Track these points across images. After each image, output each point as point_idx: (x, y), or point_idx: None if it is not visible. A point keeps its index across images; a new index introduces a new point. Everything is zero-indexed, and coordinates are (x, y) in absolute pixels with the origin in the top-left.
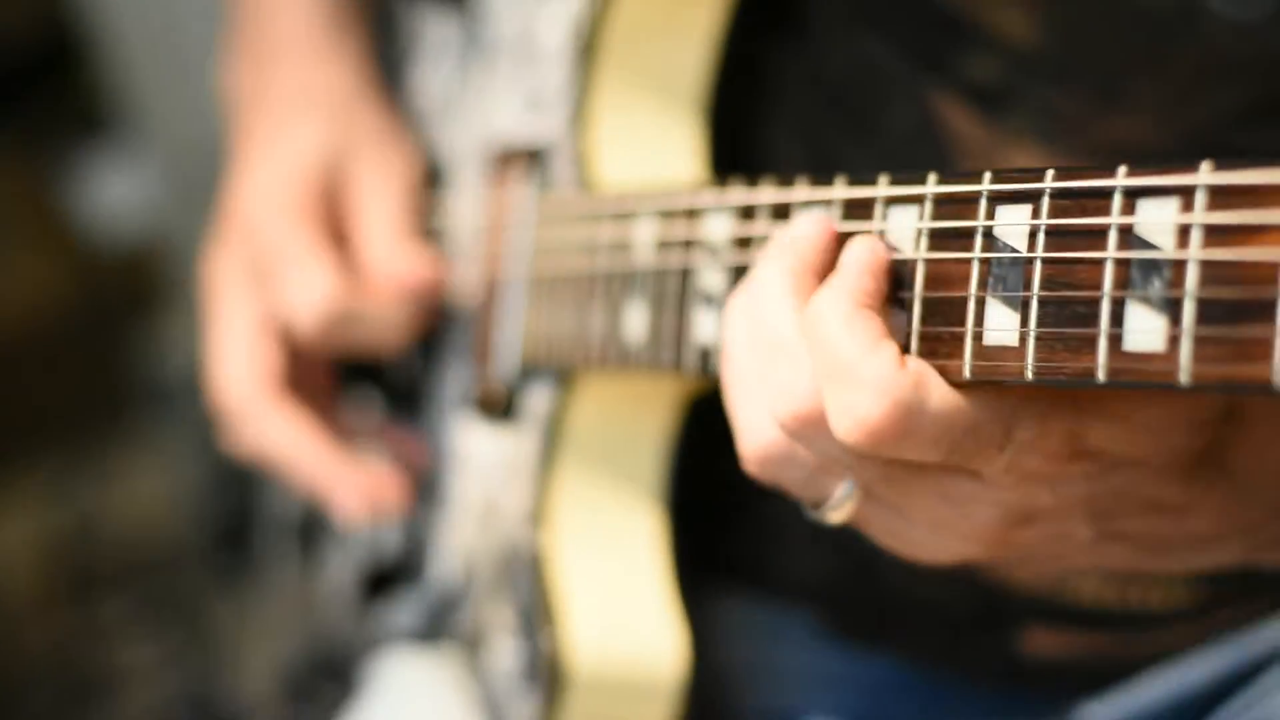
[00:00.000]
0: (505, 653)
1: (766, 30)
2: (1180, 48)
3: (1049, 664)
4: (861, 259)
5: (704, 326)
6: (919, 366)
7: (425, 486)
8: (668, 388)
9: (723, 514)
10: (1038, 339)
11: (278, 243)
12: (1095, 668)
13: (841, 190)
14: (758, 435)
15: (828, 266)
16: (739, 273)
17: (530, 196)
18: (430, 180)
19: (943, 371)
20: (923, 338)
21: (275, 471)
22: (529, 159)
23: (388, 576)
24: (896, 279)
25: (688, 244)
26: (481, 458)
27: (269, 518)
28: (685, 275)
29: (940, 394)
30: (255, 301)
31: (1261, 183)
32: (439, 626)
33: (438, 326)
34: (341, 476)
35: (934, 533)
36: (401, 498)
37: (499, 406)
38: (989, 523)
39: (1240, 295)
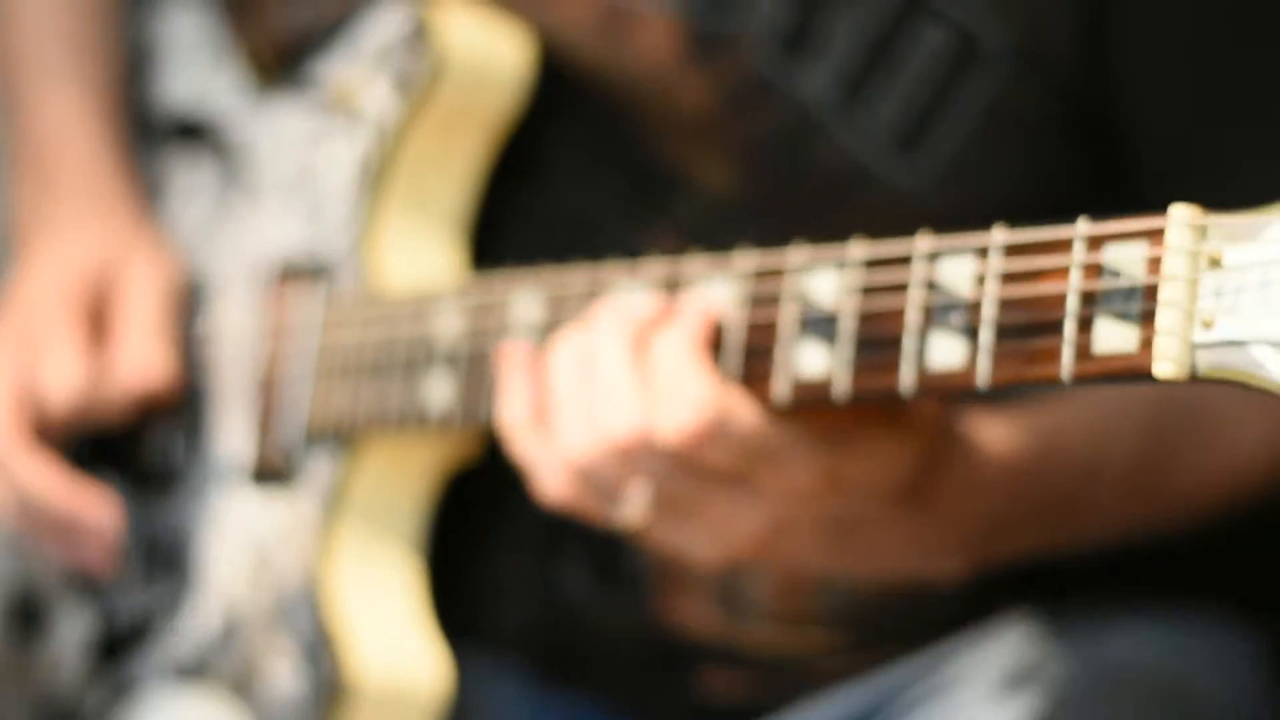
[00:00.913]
0: (284, 681)
1: (514, 172)
2: (854, 206)
3: (721, 703)
4: (695, 310)
5: None
6: (733, 392)
7: (170, 551)
8: (434, 459)
9: (453, 572)
10: (854, 368)
11: (43, 328)
12: (763, 706)
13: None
14: (575, 449)
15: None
16: None
17: (317, 301)
18: (190, 295)
19: (759, 397)
20: (745, 371)
21: (28, 515)
22: (313, 274)
23: (124, 638)
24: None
25: (499, 329)
26: (249, 521)
27: None
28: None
29: (748, 413)
30: (16, 373)
31: (1041, 240)
32: (199, 670)
33: (198, 412)
34: (93, 506)
35: (709, 535)
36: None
37: (280, 473)
38: (755, 529)
39: (1030, 319)
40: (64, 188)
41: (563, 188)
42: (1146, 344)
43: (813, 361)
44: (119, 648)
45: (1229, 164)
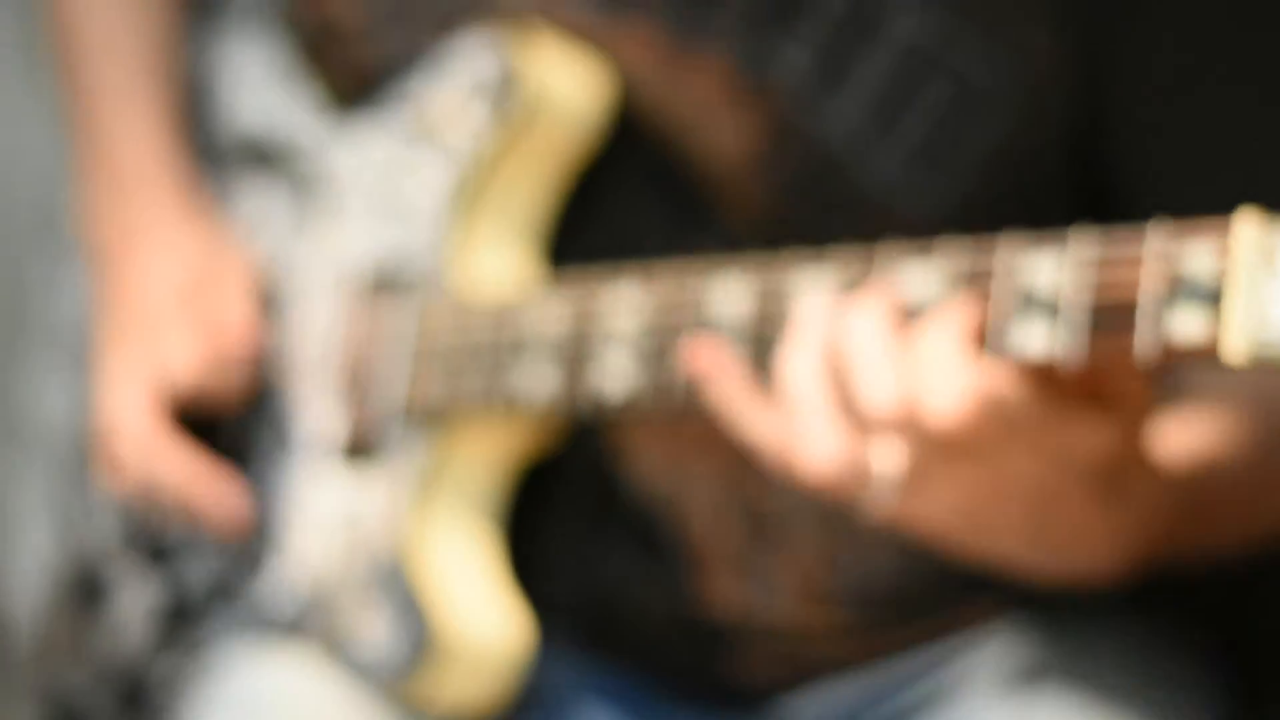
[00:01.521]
0: (377, 642)
1: (574, 193)
2: (871, 236)
3: (747, 681)
4: (955, 308)
5: (611, 380)
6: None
7: (256, 526)
8: (520, 448)
9: (510, 547)
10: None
11: (159, 318)
12: (783, 686)
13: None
14: (819, 446)
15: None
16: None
17: (413, 301)
18: (271, 296)
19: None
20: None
21: (161, 497)
22: (403, 284)
23: (196, 605)
24: None
25: (596, 316)
26: (340, 495)
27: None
28: (589, 337)
29: (1019, 390)
30: (147, 363)
31: (1119, 239)
32: (287, 631)
33: (279, 401)
34: (224, 488)
35: (935, 505)
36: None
37: (372, 451)
38: (981, 494)
39: (1113, 303)
40: (145, 198)
41: (612, 210)
42: (1213, 331)
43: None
44: (189, 614)
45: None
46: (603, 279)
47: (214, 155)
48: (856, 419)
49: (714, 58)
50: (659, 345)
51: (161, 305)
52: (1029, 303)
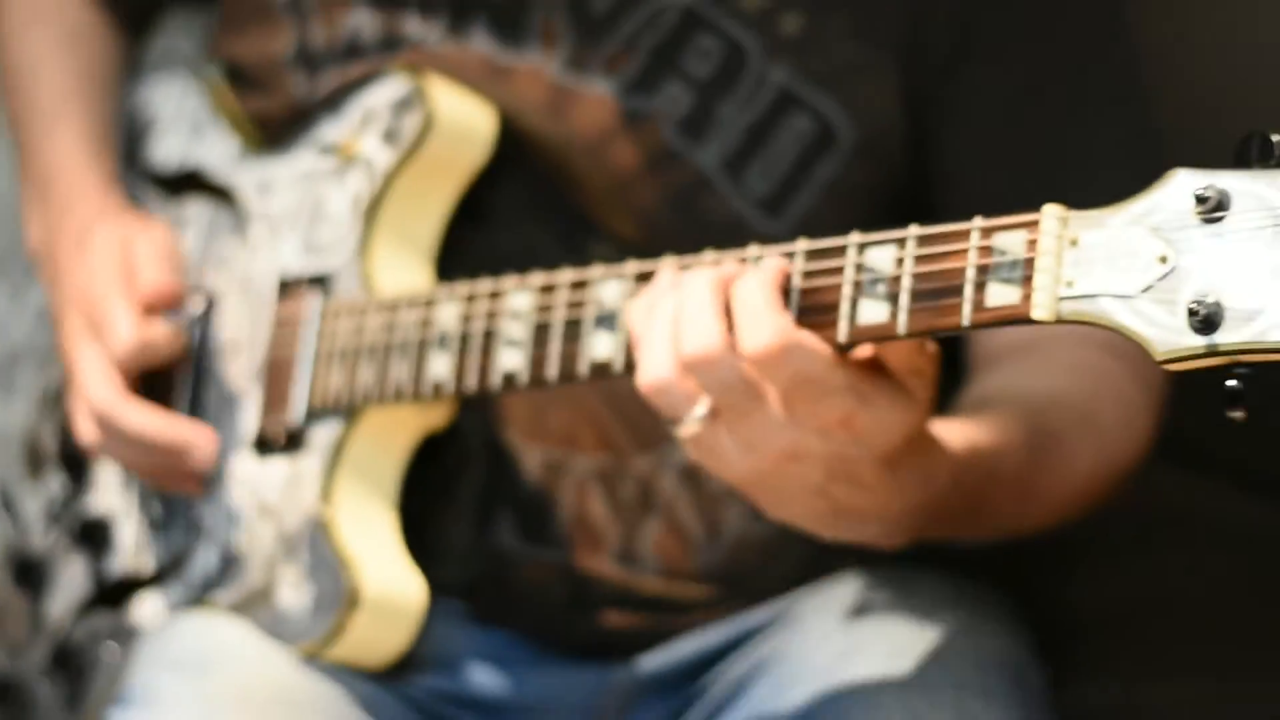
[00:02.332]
0: (293, 597)
1: (468, 214)
2: (732, 249)
3: (618, 637)
4: (772, 262)
5: (509, 359)
6: (802, 329)
7: (175, 515)
8: (413, 425)
9: (406, 527)
10: (910, 314)
11: (99, 300)
12: (649, 639)
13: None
14: (658, 370)
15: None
16: (539, 330)
17: (314, 302)
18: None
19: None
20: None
21: (140, 455)
22: (310, 285)
23: (133, 583)
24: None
25: (491, 315)
26: (249, 480)
27: None
28: (489, 333)
29: (815, 345)
30: (95, 340)
31: (946, 231)
32: (196, 602)
33: (200, 401)
34: (200, 434)
35: (740, 451)
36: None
37: (281, 443)
38: (777, 449)
39: (942, 286)
40: (77, 209)
41: (505, 229)
42: (1026, 298)
43: (872, 312)
44: (119, 594)
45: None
46: (486, 281)
47: (138, 184)
48: (681, 354)
49: (599, 92)
50: (537, 333)
51: (99, 291)
52: (875, 282)
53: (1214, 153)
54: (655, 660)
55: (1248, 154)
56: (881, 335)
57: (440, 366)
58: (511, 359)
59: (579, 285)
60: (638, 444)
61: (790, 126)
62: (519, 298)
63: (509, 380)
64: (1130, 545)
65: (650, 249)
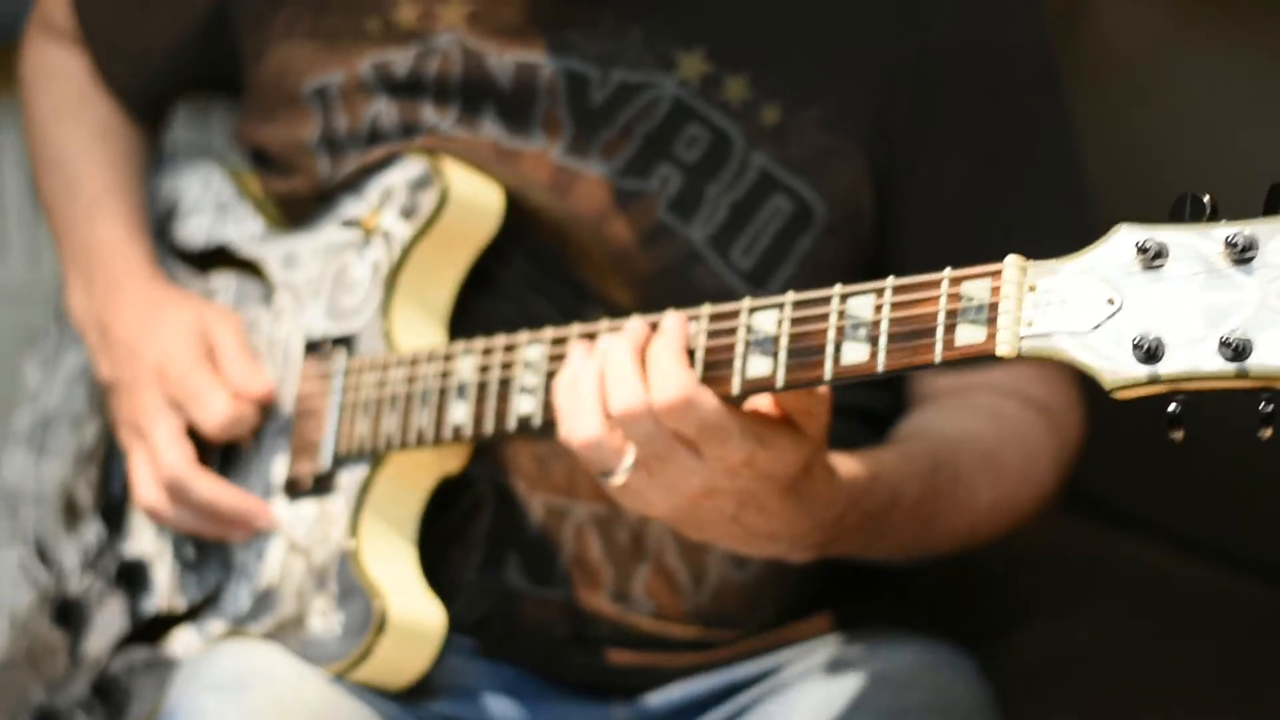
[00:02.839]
0: (324, 624)
1: (477, 284)
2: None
3: (618, 673)
4: (676, 326)
5: (524, 405)
6: (703, 384)
7: (212, 559)
8: (431, 468)
9: (425, 570)
10: (786, 368)
11: (184, 376)
12: (646, 678)
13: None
14: (589, 429)
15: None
16: (549, 375)
17: (339, 358)
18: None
19: (718, 393)
20: (707, 375)
21: (207, 521)
22: (337, 343)
23: (168, 619)
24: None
25: (506, 365)
26: (284, 521)
27: None
28: (504, 381)
29: (710, 398)
30: (175, 415)
31: (919, 281)
32: (239, 629)
33: (235, 451)
34: (261, 507)
35: (664, 492)
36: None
37: (310, 489)
38: (693, 489)
39: (916, 329)
40: (129, 280)
41: (510, 298)
42: (991, 337)
43: (758, 367)
44: (155, 630)
45: None
46: (500, 337)
47: (168, 261)
48: (610, 411)
49: (597, 174)
50: (549, 380)
51: (184, 367)
52: (857, 327)
53: (1135, 211)
54: (657, 699)
55: (1181, 211)
56: (768, 386)
57: (459, 413)
58: (526, 404)
59: (588, 336)
60: None
61: (771, 206)
62: (532, 350)
63: (523, 423)
64: (1073, 600)
65: (648, 314)
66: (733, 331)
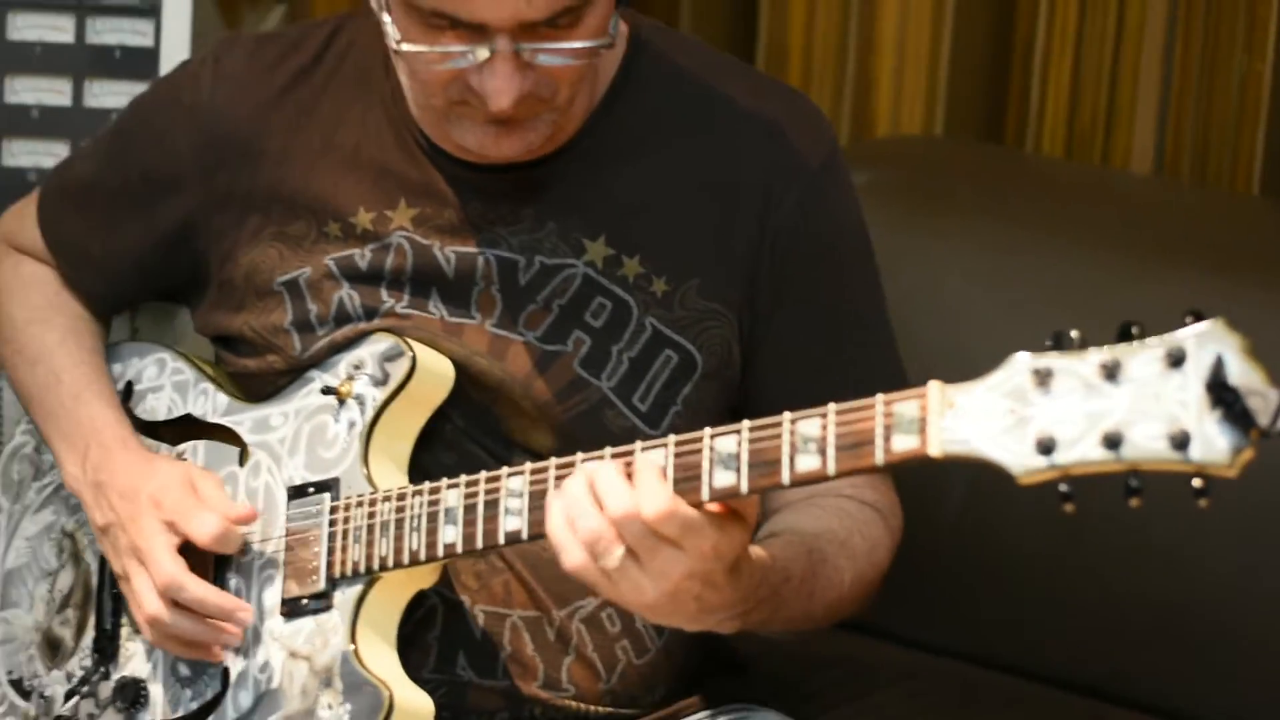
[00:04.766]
0: (334, 714)
1: (420, 439)
2: None
3: None
4: (650, 455)
5: (510, 523)
6: (679, 497)
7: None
8: (411, 582)
9: None
10: (749, 478)
11: (177, 502)
12: None
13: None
14: (574, 551)
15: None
16: (534, 497)
17: (327, 497)
18: None
19: (693, 501)
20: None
21: (192, 615)
22: (319, 486)
23: None
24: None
25: (490, 492)
26: (282, 636)
27: None
28: (490, 503)
29: (687, 509)
30: (170, 534)
31: (859, 405)
32: None
33: (226, 578)
34: (242, 605)
35: (653, 581)
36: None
37: (315, 603)
38: (678, 576)
39: (857, 441)
40: (120, 448)
41: (448, 448)
42: (924, 442)
43: (723, 479)
44: None
45: None
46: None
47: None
48: (608, 515)
49: (524, 340)
50: (533, 499)
51: (176, 496)
52: (807, 442)
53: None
54: None
55: (1060, 342)
56: (734, 493)
57: (450, 533)
58: (513, 523)
59: (565, 466)
60: (556, 601)
61: (662, 359)
62: (514, 480)
63: (512, 538)
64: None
65: (566, 455)
66: (698, 452)
